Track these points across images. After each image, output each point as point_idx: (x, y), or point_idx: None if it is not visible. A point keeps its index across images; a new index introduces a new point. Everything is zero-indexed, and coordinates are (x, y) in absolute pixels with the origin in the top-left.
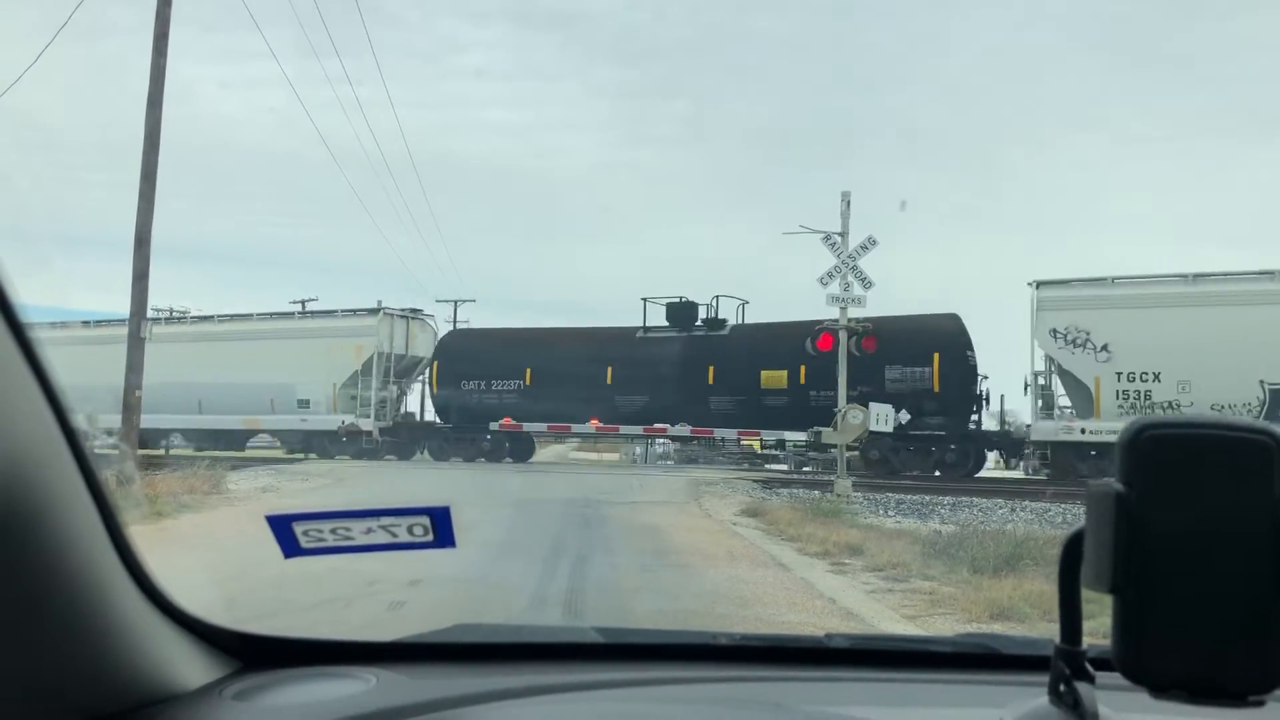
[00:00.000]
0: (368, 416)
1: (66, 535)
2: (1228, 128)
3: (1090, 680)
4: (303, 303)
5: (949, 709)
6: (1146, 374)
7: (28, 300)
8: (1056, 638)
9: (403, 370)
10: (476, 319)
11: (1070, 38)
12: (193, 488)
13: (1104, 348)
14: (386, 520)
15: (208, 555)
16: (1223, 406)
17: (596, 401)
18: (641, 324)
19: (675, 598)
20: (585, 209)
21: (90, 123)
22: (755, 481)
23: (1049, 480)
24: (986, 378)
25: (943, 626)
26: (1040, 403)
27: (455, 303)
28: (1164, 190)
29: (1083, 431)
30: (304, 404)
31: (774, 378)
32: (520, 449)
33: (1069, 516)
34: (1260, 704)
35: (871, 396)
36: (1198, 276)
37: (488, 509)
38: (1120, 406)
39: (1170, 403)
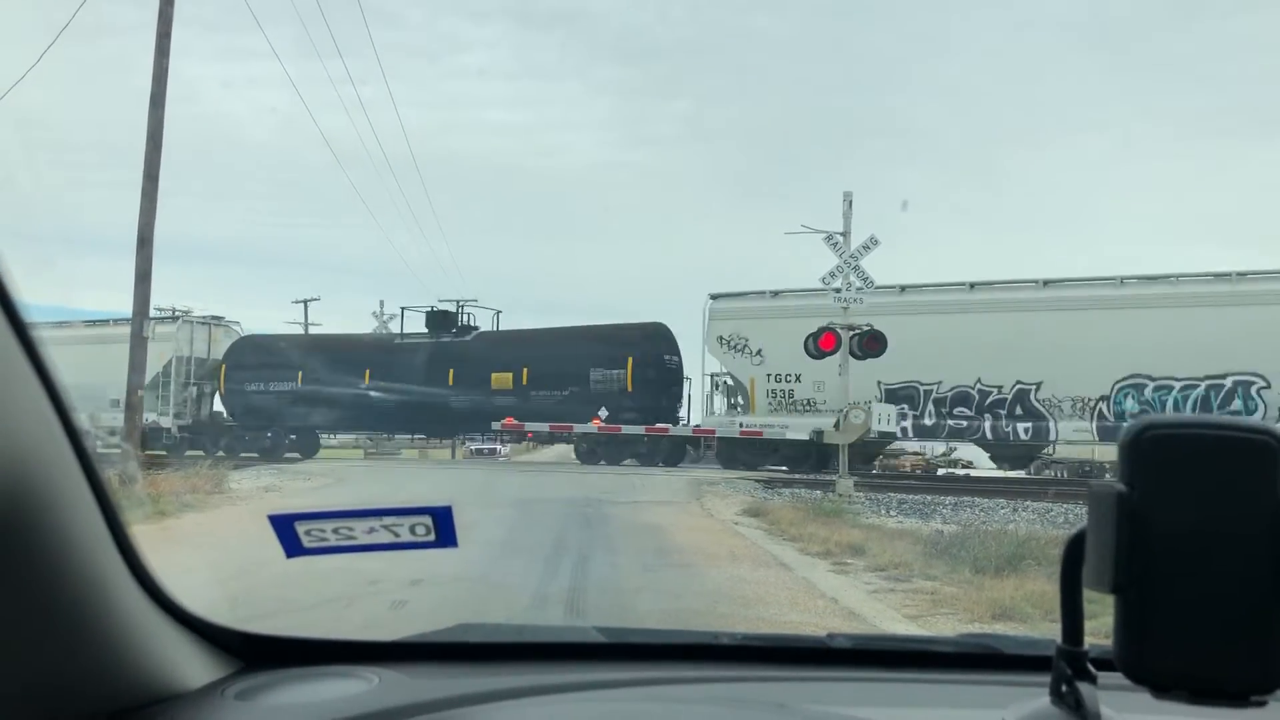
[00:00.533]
0: (167, 415)
1: (70, 535)
2: (1228, 128)
3: (1092, 681)
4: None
5: (951, 709)
6: (789, 375)
7: (31, 300)
8: (1058, 638)
9: (205, 373)
10: (477, 317)
11: (1070, 38)
12: (195, 487)
13: (758, 352)
14: (389, 520)
15: (210, 554)
16: (849, 404)
17: (354, 404)
18: (400, 331)
19: (677, 597)
20: (587, 208)
21: (93, 122)
22: (757, 481)
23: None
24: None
25: (945, 626)
26: (714, 401)
27: (458, 302)
28: (1164, 190)
29: (740, 425)
30: (115, 403)
31: (502, 379)
32: (307, 445)
33: (1071, 517)
34: (1262, 704)
35: (580, 397)
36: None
37: (488, 508)
38: (770, 404)
39: (809, 401)
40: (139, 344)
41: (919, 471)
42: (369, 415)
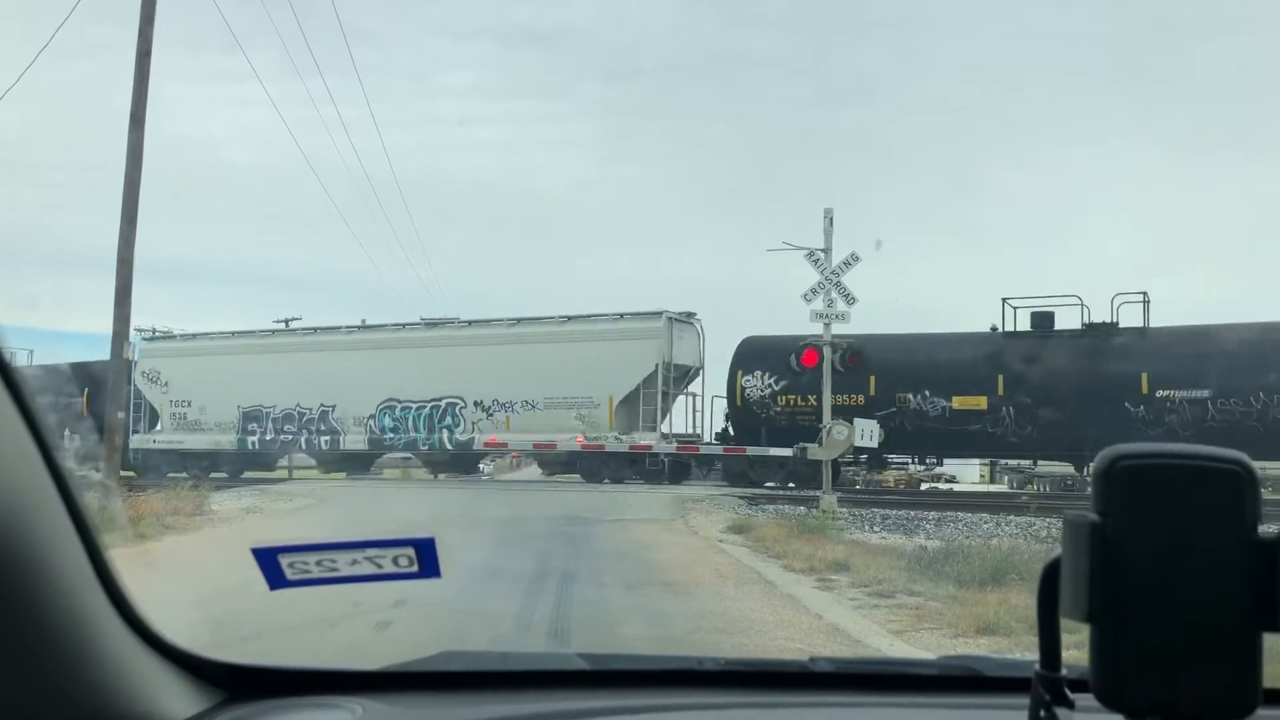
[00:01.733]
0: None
1: (53, 572)
2: (1211, 145)
3: (1070, 706)
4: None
5: None
6: (187, 401)
7: (14, 323)
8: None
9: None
10: None
11: (1055, 55)
12: (176, 509)
13: (166, 383)
14: (371, 551)
15: (191, 577)
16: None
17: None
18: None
19: (663, 617)
20: (570, 226)
21: (74, 141)
22: (741, 498)
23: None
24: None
25: (929, 641)
26: (141, 420)
27: (440, 320)
28: (1144, 205)
29: (154, 440)
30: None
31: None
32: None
33: (1053, 530)
34: None
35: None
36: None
37: (471, 527)
38: (174, 422)
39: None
40: (119, 365)
41: (902, 487)
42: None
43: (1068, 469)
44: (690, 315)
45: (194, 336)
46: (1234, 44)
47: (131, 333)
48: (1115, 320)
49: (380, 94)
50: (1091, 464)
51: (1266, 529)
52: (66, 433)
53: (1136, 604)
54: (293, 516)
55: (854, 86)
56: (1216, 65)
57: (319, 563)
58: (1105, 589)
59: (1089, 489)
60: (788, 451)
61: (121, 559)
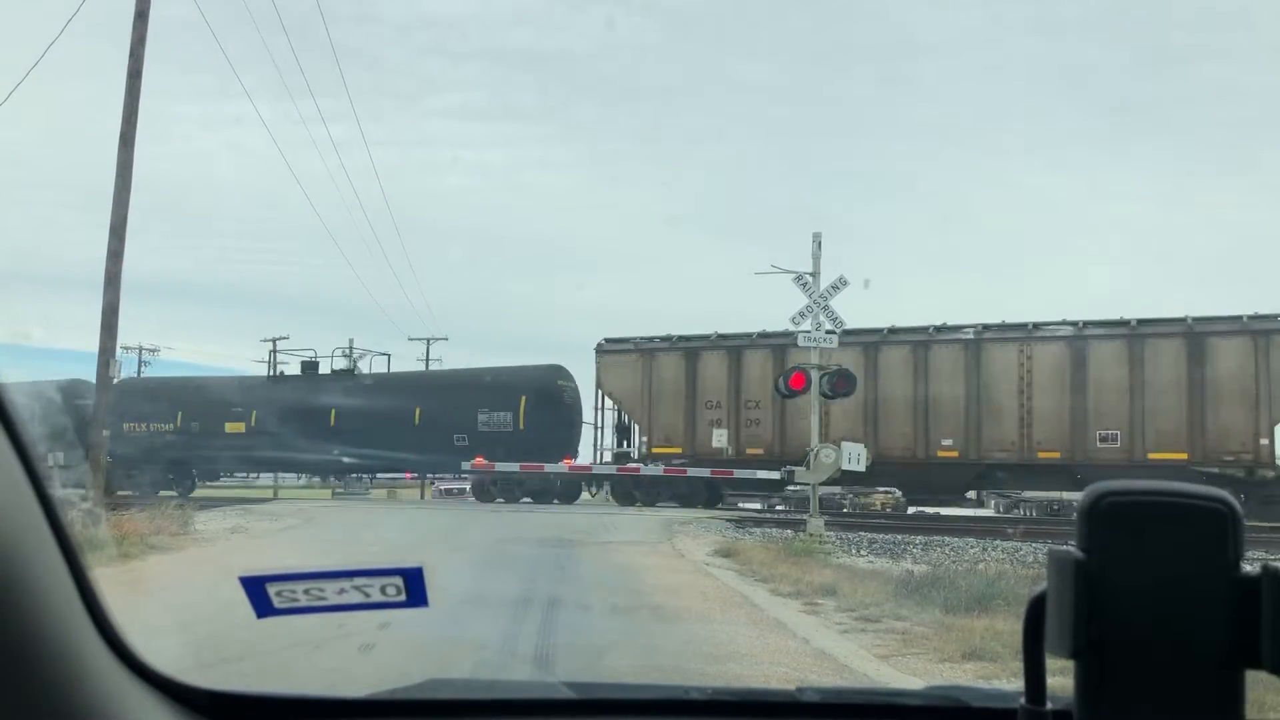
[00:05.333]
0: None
1: (36, 595)
2: (1193, 170)
3: None
4: None
5: None
6: None
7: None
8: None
9: None
10: (449, 356)
11: (1038, 85)
12: (160, 528)
13: None
14: (360, 580)
15: (175, 598)
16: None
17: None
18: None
19: (649, 642)
20: (562, 247)
21: (65, 161)
22: (728, 521)
23: None
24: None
25: (915, 666)
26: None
27: (428, 340)
28: (1127, 229)
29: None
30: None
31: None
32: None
33: (1040, 555)
34: None
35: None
36: None
37: (457, 549)
38: None
39: None
40: (104, 384)
41: (889, 510)
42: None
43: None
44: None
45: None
46: (1213, 74)
47: (118, 351)
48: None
49: (373, 114)
50: (1077, 500)
51: (1249, 566)
52: (49, 452)
53: (1121, 640)
54: (278, 537)
55: (842, 114)
56: (1196, 95)
57: (306, 591)
58: (1090, 625)
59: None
60: (776, 474)
61: (105, 579)
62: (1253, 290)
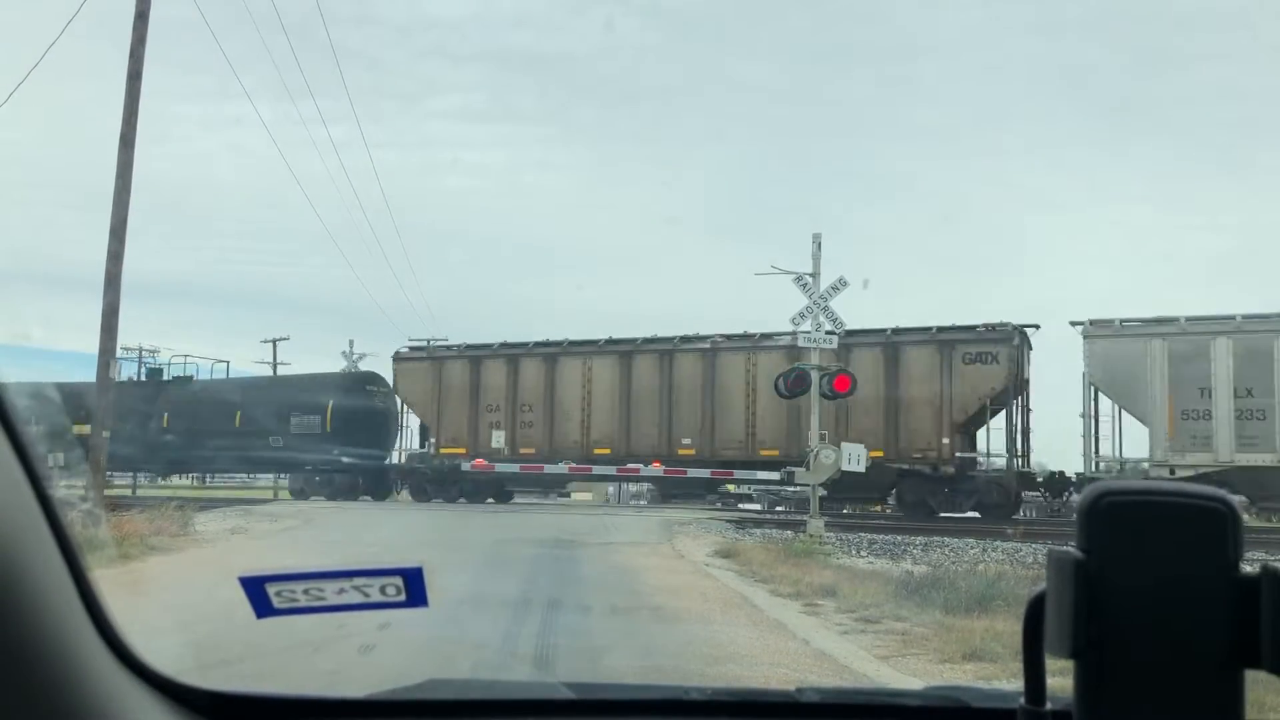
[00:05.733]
0: None
1: (37, 596)
2: (1193, 171)
3: None
4: None
5: None
6: None
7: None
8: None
9: None
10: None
11: (1038, 85)
12: (160, 529)
13: None
14: (359, 580)
15: (175, 599)
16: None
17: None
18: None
19: (649, 643)
20: (562, 248)
21: (65, 162)
22: (728, 521)
23: None
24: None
25: (915, 667)
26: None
27: (428, 341)
28: (1135, 233)
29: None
30: None
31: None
32: None
33: (1039, 556)
34: None
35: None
36: None
37: (456, 549)
38: None
39: None
40: (105, 384)
41: (888, 511)
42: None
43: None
44: None
45: None
46: (1212, 75)
47: (118, 351)
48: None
49: (374, 115)
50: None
51: (1248, 566)
52: (49, 453)
53: (1120, 641)
54: (278, 538)
55: (842, 114)
56: (1195, 95)
57: (306, 591)
58: (1089, 625)
59: (1074, 517)
60: (776, 475)
61: (104, 580)
62: (1252, 290)
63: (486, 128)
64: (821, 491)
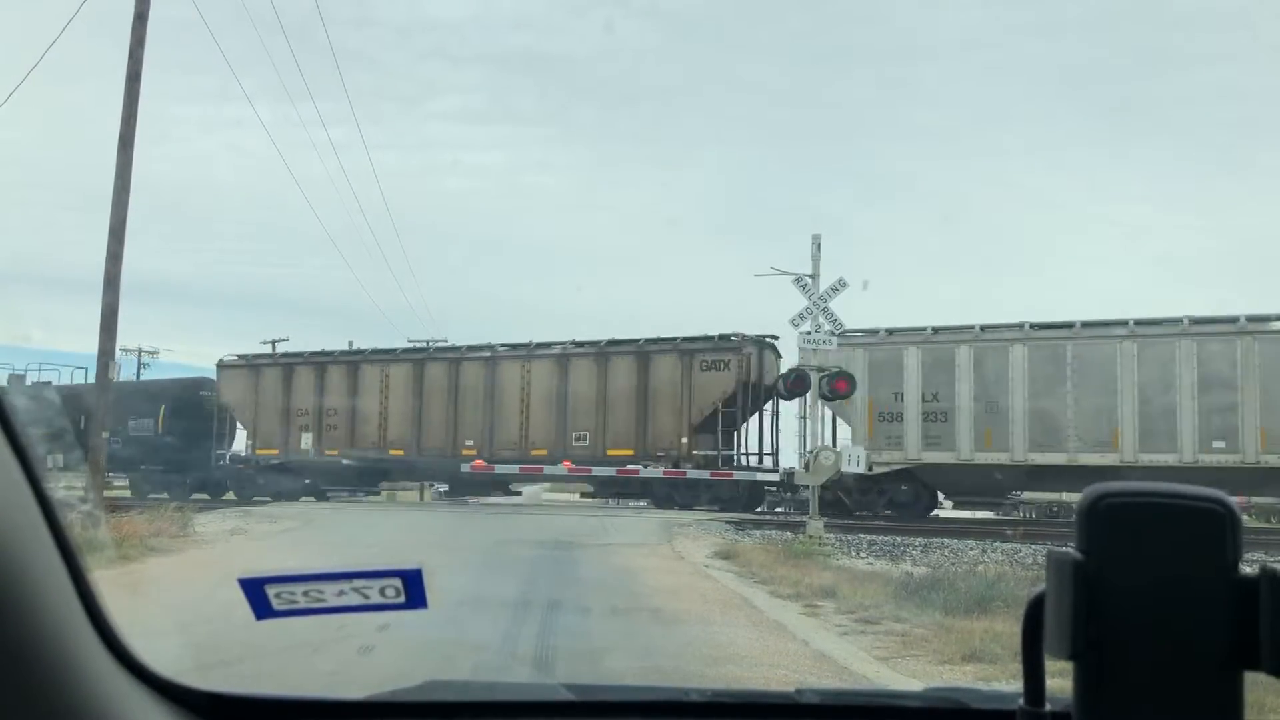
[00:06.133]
0: None
1: (36, 597)
2: (1193, 171)
3: None
4: None
5: None
6: None
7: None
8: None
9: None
10: None
11: (1038, 86)
12: (159, 530)
13: None
14: (359, 582)
15: (174, 600)
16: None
17: None
18: None
19: (648, 644)
20: (564, 249)
21: (65, 163)
22: (728, 523)
23: None
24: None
25: (915, 668)
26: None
27: (428, 343)
28: (1134, 233)
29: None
30: None
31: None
32: None
33: (1038, 558)
34: None
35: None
36: None
37: (456, 550)
38: None
39: None
40: (104, 386)
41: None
42: None
43: (1055, 496)
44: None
45: None
46: (1212, 76)
47: (118, 353)
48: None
49: (373, 117)
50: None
51: (1247, 567)
52: (48, 454)
53: (1119, 642)
54: (277, 539)
55: (842, 115)
56: (1195, 95)
57: (306, 593)
58: (1089, 627)
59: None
60: (775, 475)
61: (104, 581)
62: (1252, 291)
63: (486, 129)
64: (588, 488)
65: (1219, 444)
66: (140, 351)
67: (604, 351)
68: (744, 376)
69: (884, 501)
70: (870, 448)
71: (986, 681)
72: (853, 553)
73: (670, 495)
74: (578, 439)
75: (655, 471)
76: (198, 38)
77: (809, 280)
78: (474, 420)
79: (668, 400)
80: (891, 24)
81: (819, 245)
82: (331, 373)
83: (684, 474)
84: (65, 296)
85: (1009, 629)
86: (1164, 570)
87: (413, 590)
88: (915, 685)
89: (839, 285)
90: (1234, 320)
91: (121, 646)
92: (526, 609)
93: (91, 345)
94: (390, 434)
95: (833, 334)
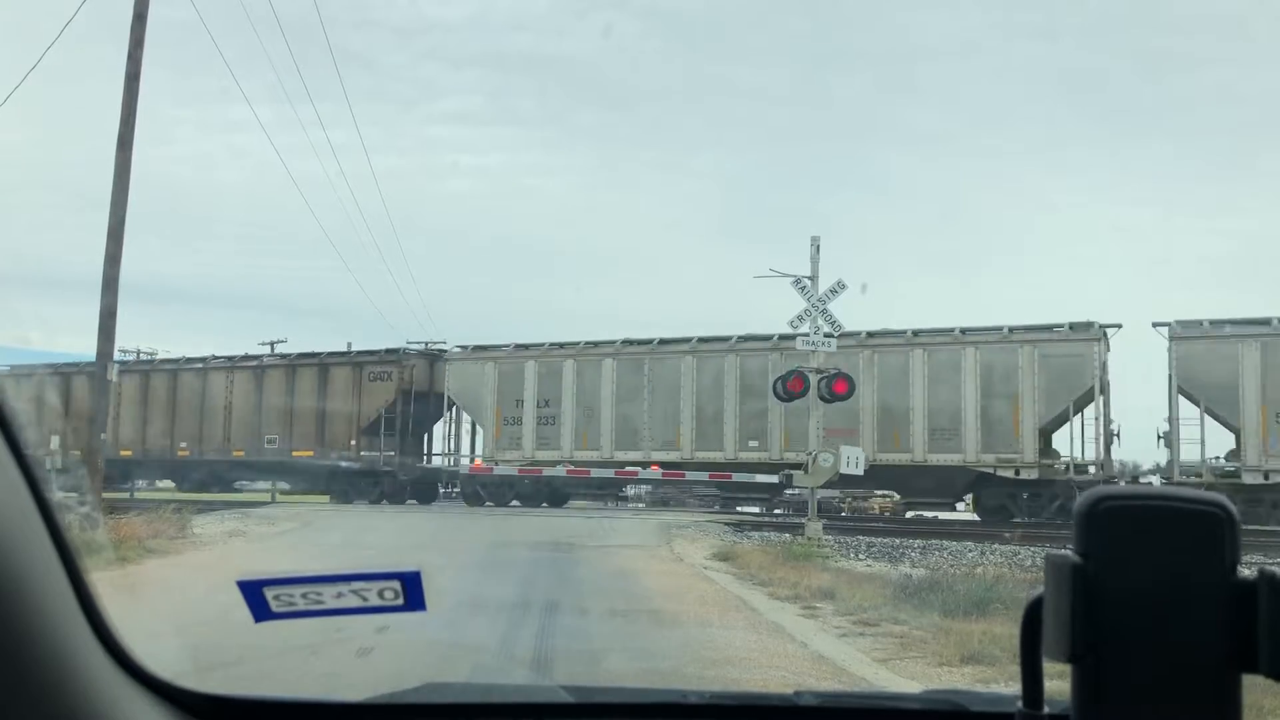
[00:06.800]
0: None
1: (35, 599)
2: (1195, 174)
3: None
4: None
5: None
6: None
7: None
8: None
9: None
10: None
11: (1038, 88)
12: (158, 531)
13: None
14: (357, 584)
15: (172, 601)
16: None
17: None
18: None
19: (647, 646)
20: (563, 251)
21: (64, 164)
22: (726, 525)
23: None
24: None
25: (914, 670)
26: None
27: (425, 344)
28: (1135, 236)
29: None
30: None
31: None
32: None
33: (1037, 560)
34: None
35: None
36: None
37: (455, 552)
38: None
39: None
40: (103, 387)
41: (887, 514)
42: None
43: None
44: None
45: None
46: (1215, 78)
47: (116, 354)
48: None
49: (373, 119)
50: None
51: (1246, 571)
52: (47, 456)
53: (1118, 645)
54: (276, 540)
55: (842, 117)
56: (1196, 98)
57: (304, 595)
58: (1087, 630)
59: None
60: (774, 478)
61: (102, 582)
62: (1252, 291)
63: (486, 130)
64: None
65: (754, 443)
66: (139, 352)
67: (293, 364)
68: (407, 385)
69: (512, 495)
70: (496, 449)
71: (985, 684)
72: (851, 554)
73: (346, 491)
74: (269, 441)
75: (655, 473)
76: (197, 38)
77: (808, 282)
78: (188, 425)
79: (342, 407)
80: (891, 27)
81: (818, 247)
82: (213, 378)
83: (683, 475)
84: (64, 297)
85: (1008, 631)
86: (1162, 573)
87: (411, 592)
88: (914, 687)
89: (838, 287)
90: (769, 338)
91: (120, 648)
92: (525, 611)
93: (89, 346)
94: (233, 438)
95: (830, 336)
